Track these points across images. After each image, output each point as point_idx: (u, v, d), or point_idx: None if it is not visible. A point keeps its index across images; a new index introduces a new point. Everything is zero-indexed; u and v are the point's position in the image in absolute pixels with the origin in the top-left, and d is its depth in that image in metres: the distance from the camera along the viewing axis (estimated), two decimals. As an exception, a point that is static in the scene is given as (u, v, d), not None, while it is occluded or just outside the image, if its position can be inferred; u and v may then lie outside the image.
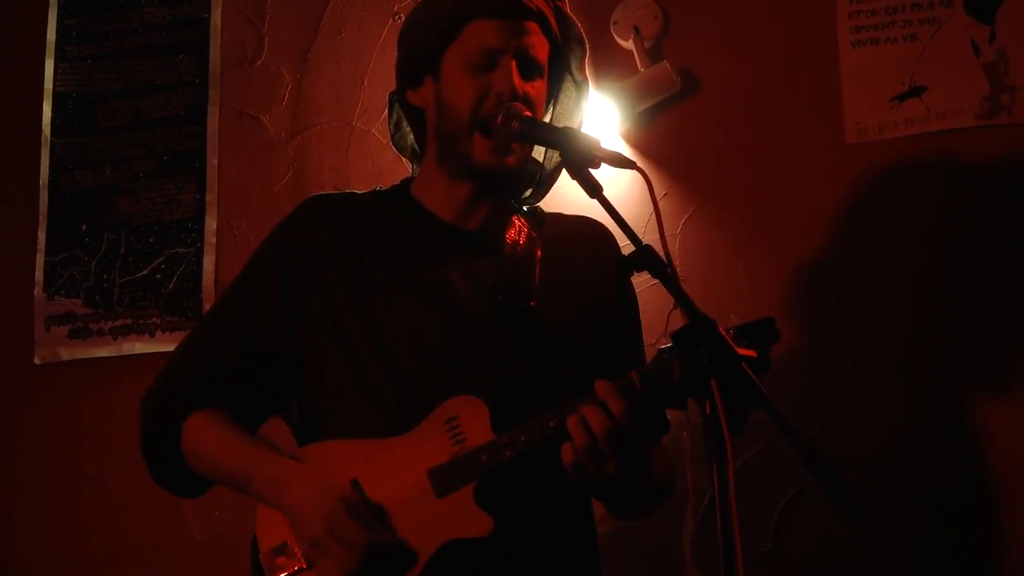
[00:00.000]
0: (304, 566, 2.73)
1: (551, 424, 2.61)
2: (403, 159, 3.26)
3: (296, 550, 2.75)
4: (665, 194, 4.16)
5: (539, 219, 3.13)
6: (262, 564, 2.80)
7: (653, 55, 4.23)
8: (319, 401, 2.94)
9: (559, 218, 3.17)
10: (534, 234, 3.07)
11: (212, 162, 4.62)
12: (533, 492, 2.77)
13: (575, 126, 3.12)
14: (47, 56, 4.83)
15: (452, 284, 2.92)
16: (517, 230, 3.05)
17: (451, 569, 2.68)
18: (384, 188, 3.18)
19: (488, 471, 2.67)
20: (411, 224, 3.03)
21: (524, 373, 2.85)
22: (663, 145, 4.23)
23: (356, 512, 2.68)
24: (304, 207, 3.08)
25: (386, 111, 3.21)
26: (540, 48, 2.95)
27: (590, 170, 2.63)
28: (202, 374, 2.96)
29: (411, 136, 3.17)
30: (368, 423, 2.81)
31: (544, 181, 3.17)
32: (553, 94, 3.12)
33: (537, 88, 2.94)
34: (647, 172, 2.59)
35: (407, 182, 3.17)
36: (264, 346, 2.95)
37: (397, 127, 3.20)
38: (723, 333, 2.35)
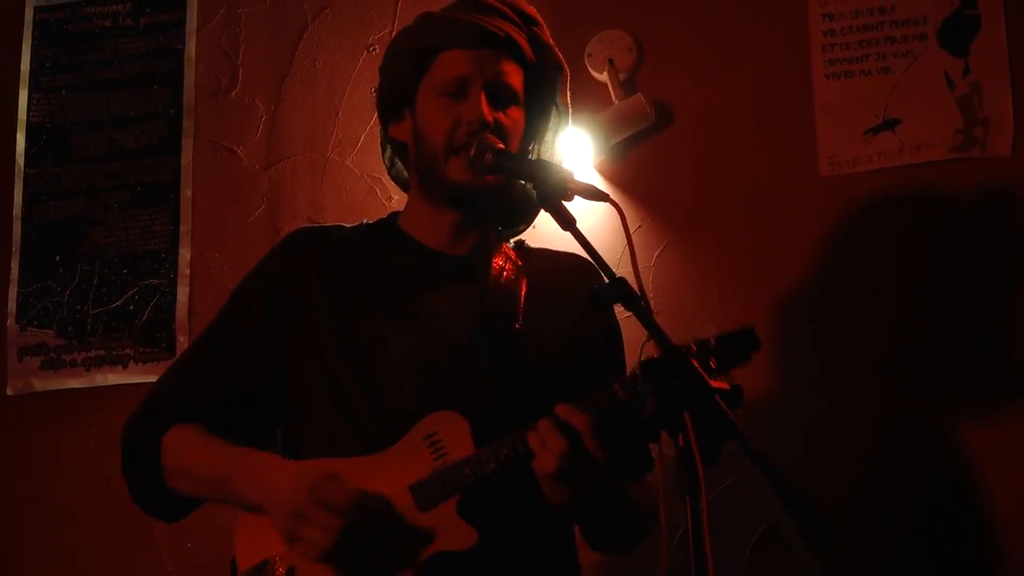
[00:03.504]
0: None
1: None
2: (376, 192, 3.25)
3: (276, 568, 2.72)
4: (639, 226, 4.17)
5: (525, 252, 3.14)
6: None
7: (627, 87, 4.24)
8: (299, 427, 2.93)
9: (545, 253, 3.18)
10: (520, 263, 3.07)
11: (186, 193, 4.61)
12: (515, 505, 2.76)
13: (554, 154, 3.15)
14: (21, 86, 4.82)
15: (435, 307, 2.93)
16: (503, 260, 3.06)
17: None
18: (370, 221, 3.18)
19: (471, 484, 2.68)
20: (396, 252, 3.03)
21: (504, 394, 2.85)
22: (637, 177, 4.24)
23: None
24: (291, 238, 3.10)
25: (359, 142, 3.22)
26: (512, 75, 2.96)
27: (563, 203, 2.63)
28: (183, 400, 2.94)
29: (404, 173, 3.19)
30: (345, 443, 2.79)
31: (529, 213, 3.18)
32: (540, 125, 3.12)
33: (512, 116, 2.95)
34: (621, 204, 2.60)
35: (394, 215, 3.18)
36: (246, 377, 2.94)
37: (392, 162, 3.21)
38: (696, 365, 2.35)
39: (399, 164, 3.19)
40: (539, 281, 3.05)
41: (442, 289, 2.97)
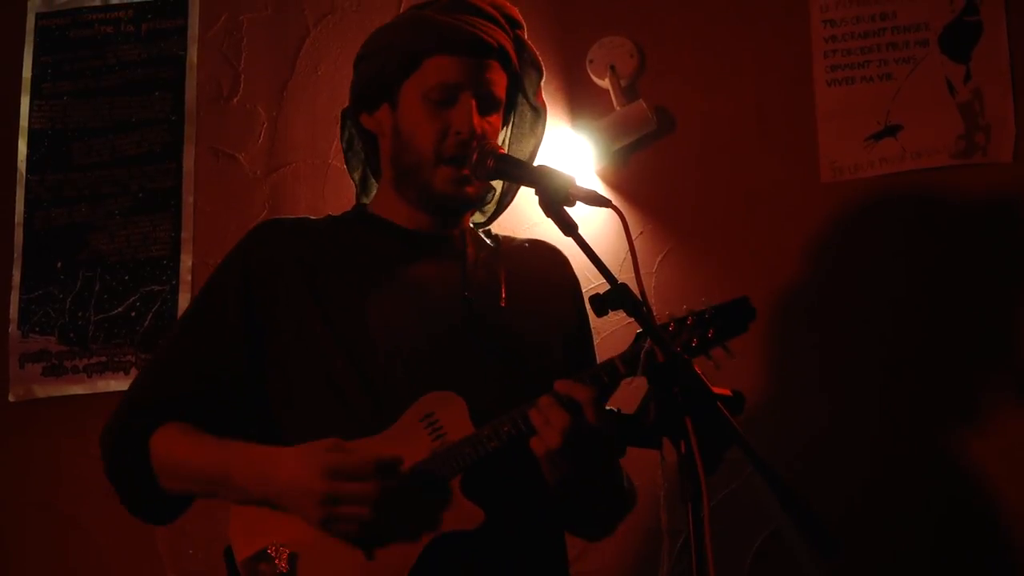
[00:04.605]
0: (285, 569, 2.69)
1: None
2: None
3: (277, 553, 2.71)
4: (641, 232, 4.16)
5: (495, 238, 3.14)
6: (241, 574, 2.75)
7: (629, 93, 4.23)
8: (286, 414, 2.89)
9: (513, 240, 3.18)
10: (493, 247, 3.08)
11: (188, 200, 4.61)
12: (517, 483, 2.75)
13: (529, 149, 3.14)
14: (23, 93, 4.81)
15: (419, 282, 2.93)
16: (476, 247, 3.06)
17: (443, 562, 2.67)
18: (336, 215, 3.17)
19: (473, 463, 2.67)
20: (374, 233, 3.02)
21: (496, 372, 2.85)
22: (639, 183, 4.24)
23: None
24: (258, 228, 3.08)
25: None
26: (499, 84, 2.95)
27: (565, 208, 2.62)
28: (164, 397, 2.90)
29: (362, 155, 3.16)
30: (337, 427, 2.75)
31: (499, 206, 3.19)
32: (507, 118, 3.10)
33: (493, 122, 2.94)
34: (623, 210, 2.59)
35: (362, 205, 3.17)
36: (228, 372, 2.90)
37: (350, 145, 3.18)
38: (698, 371, 2.35)
39: (357, 148, 3.16)
40: (514, 264, 3.06)
41: (424, 267, 2.96)
